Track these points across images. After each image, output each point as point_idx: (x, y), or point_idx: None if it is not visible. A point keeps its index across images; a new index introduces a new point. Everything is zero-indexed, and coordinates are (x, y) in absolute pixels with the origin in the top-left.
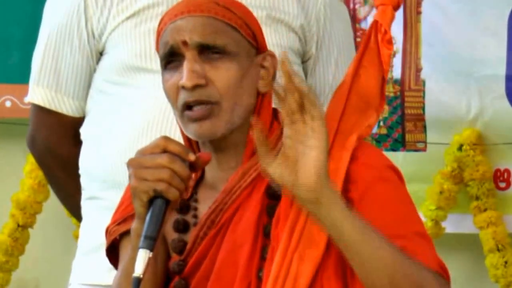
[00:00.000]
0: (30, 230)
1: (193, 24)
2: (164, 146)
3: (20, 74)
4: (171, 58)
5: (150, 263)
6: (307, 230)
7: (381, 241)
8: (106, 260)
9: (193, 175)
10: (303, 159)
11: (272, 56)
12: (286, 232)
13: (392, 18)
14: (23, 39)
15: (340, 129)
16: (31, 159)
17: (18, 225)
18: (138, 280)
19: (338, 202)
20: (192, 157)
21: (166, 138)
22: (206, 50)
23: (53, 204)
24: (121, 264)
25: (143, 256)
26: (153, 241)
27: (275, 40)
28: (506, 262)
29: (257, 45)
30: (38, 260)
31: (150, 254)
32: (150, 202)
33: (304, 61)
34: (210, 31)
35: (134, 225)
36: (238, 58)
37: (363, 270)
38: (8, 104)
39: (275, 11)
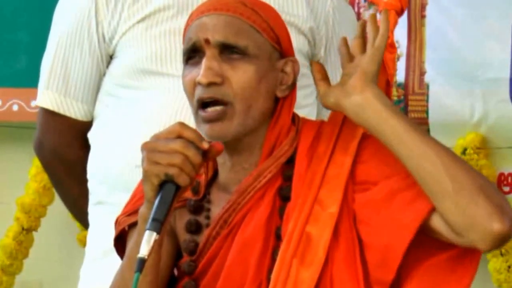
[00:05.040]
0: (34, 233)
1: (217, 22)
2: (179, 132)
3: (27, 78)
4: (192, 54)
5: (155, 248)
6: (306, 234)
7: (428, 136)
8: (115, 266)
9: (204, 176)
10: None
11: (294, 62)
12: (287, 236)
13: (395, 22)
14: (30, 43)
15: (342, 134)
16: (36, 163)
17: (23, 229)
18: (143, 261)
19: (383, 101)
20: (205, 145)
21: (182, 124)
22: (227, 50)
23: (57, 207)
24: (126, 252)
25: (148, 238)
26: (160, 224)
27: None
28: (509, 267)
29: (281, 49)
30: (42, 263)
31: (157, 237)
32: (160, 187)
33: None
34: (233, 31)
35: (142, 209)
36: (258, 61)
37: (414, 163)
38: (15, 108)
39: (284, 14)
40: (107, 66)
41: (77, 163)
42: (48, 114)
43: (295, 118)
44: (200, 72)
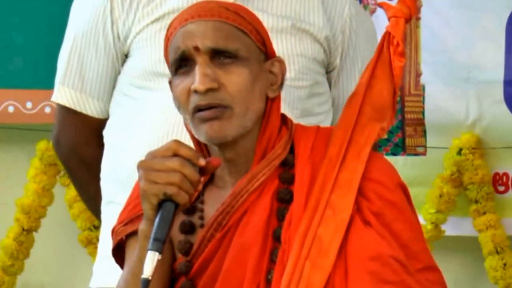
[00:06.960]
0: (34, 234)
1: (204, 28)
2: (175, 150)
3: (22, 80)
4: (182, 63)
5: (158, 266)
6: (318, 237)
7: None
8: None
9: (202, 178)
10: None
11: (281, 62)
12: (299, 238)
13: (404, 30)
14: (25, 44)
15: (353, 139)
16: (34, 164)
17: (23, 229)
18: (147, 282)
19: None
20: (202, 162)
21: (178, 142)
22: (217, 55)
23: (57, 208)
24: (127, 264)
25: (152, 258)
26: (162, 243)
27: (300, 49)
28: (505, 264)
29: (266, 51)
30: (43, 263)
31: (159, 257)
32: (159, 205)
33: (328, 72)
34: (222, 36)
35: (142, 226)
36: (249, 63)
37: None
38: (11, 109)
39: (300, 22)
40: (122, 65)
41: (94, 161)
42: (65, 111)
43: (287, 121)
44: (196, 80)
